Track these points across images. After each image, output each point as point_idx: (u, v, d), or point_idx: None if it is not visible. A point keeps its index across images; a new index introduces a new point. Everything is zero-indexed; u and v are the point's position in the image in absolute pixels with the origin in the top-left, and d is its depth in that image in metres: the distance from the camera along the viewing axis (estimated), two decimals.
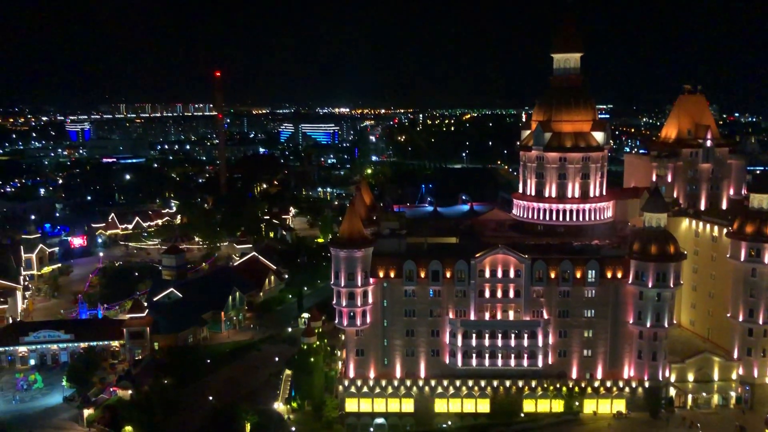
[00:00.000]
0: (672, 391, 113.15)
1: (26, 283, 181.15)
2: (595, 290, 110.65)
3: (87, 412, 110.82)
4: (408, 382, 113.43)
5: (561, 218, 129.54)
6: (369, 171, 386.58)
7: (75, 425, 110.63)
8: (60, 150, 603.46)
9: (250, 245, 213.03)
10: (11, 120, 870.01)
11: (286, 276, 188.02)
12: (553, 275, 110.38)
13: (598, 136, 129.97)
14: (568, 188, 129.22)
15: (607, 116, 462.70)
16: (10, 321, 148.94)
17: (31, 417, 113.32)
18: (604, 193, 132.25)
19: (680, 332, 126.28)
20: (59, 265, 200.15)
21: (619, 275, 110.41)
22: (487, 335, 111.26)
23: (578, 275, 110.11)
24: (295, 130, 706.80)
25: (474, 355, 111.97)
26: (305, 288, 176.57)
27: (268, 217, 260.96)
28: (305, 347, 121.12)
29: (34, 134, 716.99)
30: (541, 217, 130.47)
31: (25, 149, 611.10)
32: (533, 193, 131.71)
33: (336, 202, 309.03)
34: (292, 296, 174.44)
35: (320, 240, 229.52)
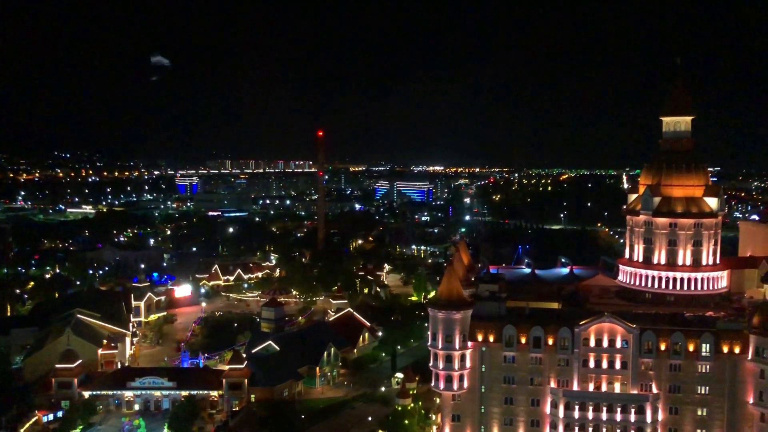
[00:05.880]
0: None
1: (134, 329, 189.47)
2: (709, 365, 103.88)
3: None
4: None
5: (671, 286, 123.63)
6: (464, 230, 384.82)
7: None
8: (169, 202, 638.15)
9: (345, 301, 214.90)
10: (127, 173, 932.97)
11: (380, 333, 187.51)
12: (663, 347, 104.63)
13: (711, 201, 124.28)
14: (679, 255, 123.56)
15: (716, 179, 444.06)
16: (119, 365, 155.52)
17: None
18: (718, 261, 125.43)
19: None
20: (164, 313, 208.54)
21: (737, 350, 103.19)
22: (590, 407, 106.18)
23: (691, 348, 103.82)
24: (391, 188, 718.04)
25: (576, 428, 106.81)
26: (399, 347, 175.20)
27: (363, 273, 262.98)
28: (399, 408, 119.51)
29: (146, 187, 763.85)
30: (650, 285, 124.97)
31: (138, 200, 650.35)
32: (641, 259, 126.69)
33: (430, 260, 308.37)
34: (385, 354, 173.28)
35: (414, 298, 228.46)
